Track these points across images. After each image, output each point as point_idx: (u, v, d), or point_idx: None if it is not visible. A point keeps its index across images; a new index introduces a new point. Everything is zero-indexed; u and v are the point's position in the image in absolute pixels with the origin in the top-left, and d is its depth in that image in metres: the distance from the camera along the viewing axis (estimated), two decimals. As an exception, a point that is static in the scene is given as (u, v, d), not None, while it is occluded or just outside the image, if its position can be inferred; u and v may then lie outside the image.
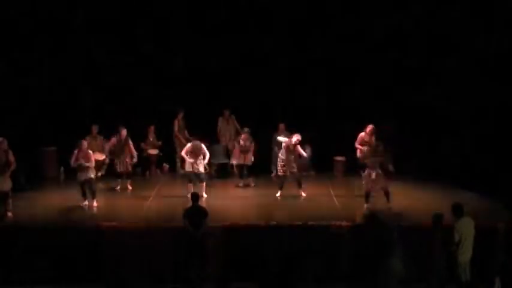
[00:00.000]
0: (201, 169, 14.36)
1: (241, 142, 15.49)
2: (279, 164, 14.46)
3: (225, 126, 17.03)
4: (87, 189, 13.62)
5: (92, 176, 13.66)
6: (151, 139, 16.75)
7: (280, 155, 14.47)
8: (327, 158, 16.74)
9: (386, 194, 13.26)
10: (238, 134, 16.71)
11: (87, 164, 13.46)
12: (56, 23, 16.46)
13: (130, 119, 15.79)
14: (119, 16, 16.66)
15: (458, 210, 10.27)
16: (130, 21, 16.75)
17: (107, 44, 16.74)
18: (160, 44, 16.94)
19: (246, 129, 15.56)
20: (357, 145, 14.89)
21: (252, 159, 15.47)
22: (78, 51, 16.73)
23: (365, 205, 13.29)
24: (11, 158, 12.87)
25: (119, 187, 15.23)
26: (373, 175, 13.13)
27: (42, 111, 16.49)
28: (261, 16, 16.87)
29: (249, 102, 16.96)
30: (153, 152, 16.78)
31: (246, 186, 15.58)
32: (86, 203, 13.64)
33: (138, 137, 16.11)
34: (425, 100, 16.36)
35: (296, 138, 14.31)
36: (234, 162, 15.89)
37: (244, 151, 15.46)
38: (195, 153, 14.28)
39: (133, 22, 16.76)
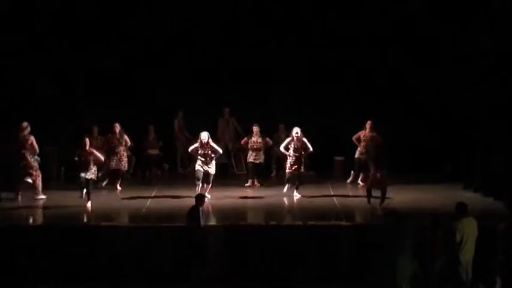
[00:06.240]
0: (212, 171, 14.18)
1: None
2: (289, 162, 14.22)
3: (225, 127, 17.00)
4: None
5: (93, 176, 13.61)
6: (151, 139, 16.75)
7: (291, 152, 14.20)
8: (327, 158, 16.73)
9: (383, 193, 13.21)
10: (238, 135, 16.68)
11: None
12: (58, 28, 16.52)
13: (130, 119, 15.80)
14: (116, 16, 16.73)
15: (462, 210, 10.22)
16: (130, 21, 16.80)
17: (107, 43, 16.76)
18: (160, 43, 16.96)
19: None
20: (354, 141, 15.02)
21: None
22: (79, 52, 16.74)
23: (369, 204, 13.24)
24: None
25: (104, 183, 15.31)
26: (378, 174, 13.08)
27: (42, 111, 16.49)
28: (261, 16, 16.91)
29: (249, 102, 16.96)
30: (153, 152, 16.78)
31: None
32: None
33: (138, 137, 16.10)
34: (427, 100, 16.39)
35: (295, 132, 14.08)
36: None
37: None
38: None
39: (132, 21, 16.80)
